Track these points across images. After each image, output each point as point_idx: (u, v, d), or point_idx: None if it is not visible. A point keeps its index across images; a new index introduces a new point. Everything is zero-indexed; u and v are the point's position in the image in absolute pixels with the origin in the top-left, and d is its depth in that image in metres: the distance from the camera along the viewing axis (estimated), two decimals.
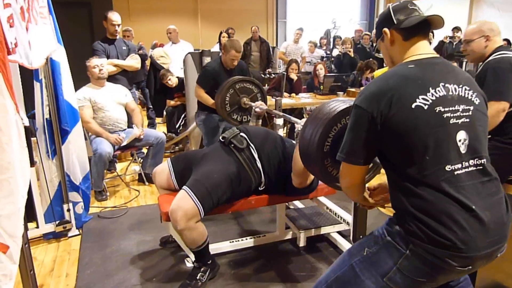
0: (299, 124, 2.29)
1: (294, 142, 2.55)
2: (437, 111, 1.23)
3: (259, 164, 2.34)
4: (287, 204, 3.04)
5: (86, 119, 3.51)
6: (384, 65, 7.50)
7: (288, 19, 11.83)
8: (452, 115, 1.24)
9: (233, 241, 2.70)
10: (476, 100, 1.31)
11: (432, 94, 1.24)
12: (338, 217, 2.73)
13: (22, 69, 2.09)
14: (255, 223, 3.11)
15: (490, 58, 2.31)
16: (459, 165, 1.23)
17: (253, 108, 3.03)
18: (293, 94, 5.31)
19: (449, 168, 1.22)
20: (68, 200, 2.92)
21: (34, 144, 2.65)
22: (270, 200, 2.45)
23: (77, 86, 3.28)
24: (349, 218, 2.55)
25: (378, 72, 6.06)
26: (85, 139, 3.28)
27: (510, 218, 1.29)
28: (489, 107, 2.17)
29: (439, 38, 7.74)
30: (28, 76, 2.63)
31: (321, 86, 5.45)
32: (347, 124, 1.34)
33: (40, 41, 2.19)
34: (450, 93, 1.26)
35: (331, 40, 9.52)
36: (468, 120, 1.26)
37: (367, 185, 1.58)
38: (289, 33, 11.72)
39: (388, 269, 1.28)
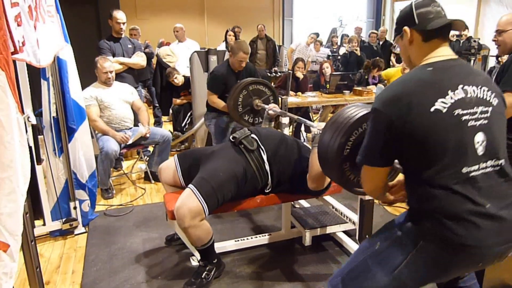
0: (315, 127, 2.27)
1: (306, 144, 2.55)
2: (455, 114, 1.23)
3: (267, 166, 2.32)
4: (293, 203, 3.03)
5: (93, 118, 3.53)
6: (391, 65, 7.50)
7: (295, 18, 11.80)
8: (470, 117, 1.24)
9: (238, 240, 2.70)
10: (495, 101, 1.31)
11: (451, 97, 1.24)
12: (344, 217, 2.71)
13: (30, 67, 2.11)
14: (260, 222, 3.11)
15: None
16: (476, 167, 1.24)
17: (266, 110, 3.01)
18: (299, 93, 5.29)
19: (466, 170, 1.23)
20: (74, 198, 2.94)
21: (41, 142, 2.67)
22: (276, 199, 2.44)
23: (84, 84, 3.29)
24: (355, 217, 2.53)
25: (388, 72, 6.03)
26: (92, 137, 3.29)
27: None
28: (506, 98, 2.15)
29: None
30: (35, 74, 2.65)
31: (328, 85, 5.43)
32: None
33: (48, 40, 2.20)
34: (469, 95, 1.26)
35: (339, 38, 9.48)
36: (486, 121, 1.27)
37: None
38: (296, 31, 11.70)
39: (398, 263, 1.31)
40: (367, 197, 2.25)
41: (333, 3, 11.81)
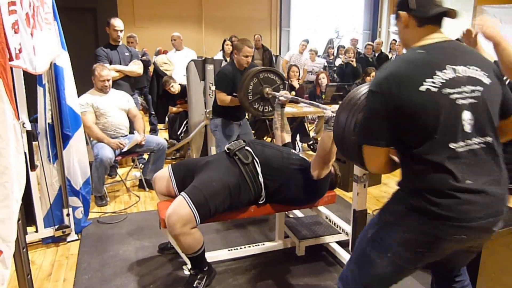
0: (328, 110, 2.25)
1: (301, 155, 2.55)
2: (444, 92, 1.28)
3: (261, 179, 2.32)
4: (286, 213, 3.03)
5: (88, 124, 3.53)
6: None
7: (292, 28, 11.89)
8: (459, 96, 1.30)
9: (231, 249, 2.69)
10: (487, 80, 1.35)
11: (440, 77, 1.29)
12: (337, 227, 2.72)
13: (26, 73, 2.11)
14: (254, 232, 3.11)
15: None
16: (462, 143, 1.29)
17: (277, 96, 2.98)
18: None
19: (453, 146, 1.29)
20: (68, 205, 2.93)
21: (36, 148, 2.67)
22: (269, 209, 2.45)
23: (80, 91, 3.30)
24: (348, 228, 2.54)
25: None
26: (87, 144, 3.29)
27: (506, 195, 1.36)
28: None
29: None
30: (31, 80, 2.65)
31: (323, 95, 5.47)
32: None
33: (45, 47, 2.21)
34: (459, 74, 1.31)
35: (335, 49, 9.56)
36: (476, 100, 1.31)
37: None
38: (293, 41, 11.78)
39: (390, 245, 1.39)
40: (361, 208, 2.27)
41: (330, 14, 11.94)
